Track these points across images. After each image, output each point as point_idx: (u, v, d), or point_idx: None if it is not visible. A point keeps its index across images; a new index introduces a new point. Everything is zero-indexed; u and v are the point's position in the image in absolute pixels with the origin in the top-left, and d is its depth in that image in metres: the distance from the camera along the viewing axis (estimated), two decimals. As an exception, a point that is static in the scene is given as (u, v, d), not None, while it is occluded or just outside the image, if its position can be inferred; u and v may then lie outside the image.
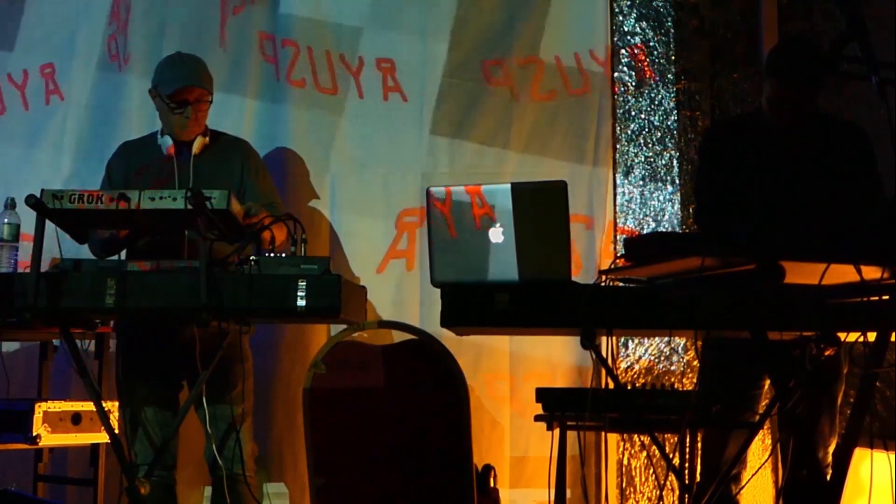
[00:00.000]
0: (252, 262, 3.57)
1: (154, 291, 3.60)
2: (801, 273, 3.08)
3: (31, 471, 4.51)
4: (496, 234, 3.25)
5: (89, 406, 4.17)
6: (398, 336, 4.64)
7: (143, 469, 4.05)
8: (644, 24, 5.19)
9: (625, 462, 4.95)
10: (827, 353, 3.25)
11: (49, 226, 3.62)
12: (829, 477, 3.36)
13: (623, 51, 5.17)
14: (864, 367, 3.25)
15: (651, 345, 5.01)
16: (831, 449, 3.94)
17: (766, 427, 4.64)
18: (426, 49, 5.20)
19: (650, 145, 5.15)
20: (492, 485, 4.47)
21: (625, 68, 5.18)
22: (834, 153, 4.00)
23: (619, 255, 4.32)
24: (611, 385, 3.60)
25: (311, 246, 4.01)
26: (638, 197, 5.12)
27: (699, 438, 3.91)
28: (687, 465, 3.67)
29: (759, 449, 4.83)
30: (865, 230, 3.16)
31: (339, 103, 5.17)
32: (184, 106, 4.27)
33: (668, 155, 5.14)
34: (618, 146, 5.13)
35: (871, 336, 3.22)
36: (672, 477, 3.53)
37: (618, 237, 5.02)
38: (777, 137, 4.03)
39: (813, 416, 3.90)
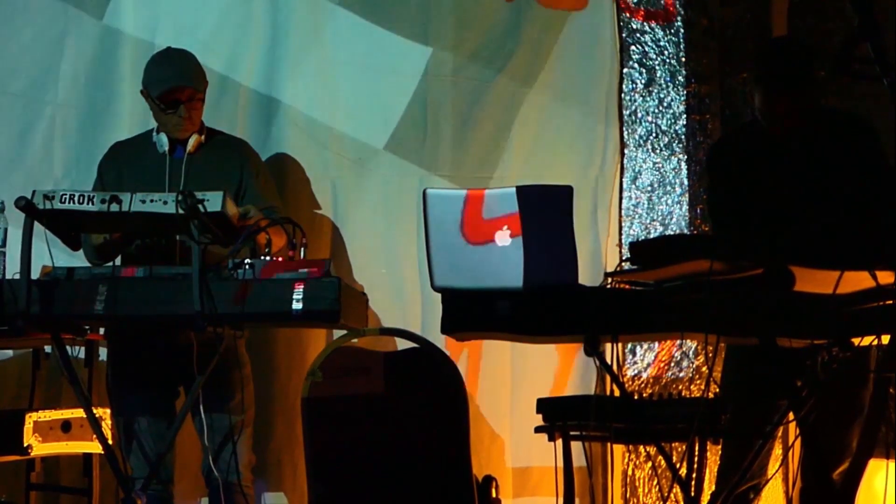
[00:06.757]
0: (247, 266, 3.53)
1: (146, 298, 3.57)
2: (813, 279, 3.03)
3: (24, 480, 4.44)
4: (500, 239, 3.16)
5: (79, 413, 4.12)
6: (399, 343, 4.56)
7: (139, 483, 3.97)
8: (653, 22, 5.10)
9: (629, 472, 4.88)
10: (840, 356, 3.19)
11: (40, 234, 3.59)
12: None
13: (633, 48, 5.07)
14: (876, 372, 3.20)
15: (662, 350, 4.94)
16: None
17: (777, 436, 4.56)
18: None
19: (658, 150, 5.07)
20: (493, 495, 4.42)
21: (635, 65, 5.08)
22: (837, 150, 3.86)
23: (624, 258, 4.26)
24: (616, 393, 3.55)
25: (311, 252, 3.96)
26: (645, 202, 5.05)
27: (708, 448, 3.84)
28: (694, 475, 3.61)
29: (770, 458, 4.75)
30: (876, 234, 3.10)
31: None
32: (175, 106, 4.19)
33: (675, 159, 5.08)
34: (626, 151, 5.06)
35: (885, 340, 3.16)
36: (677, 488, 3.46)
37: (623, 241, 4.94)
38: (778, 143, 3.91)
39: (839, 425, 3.78)
